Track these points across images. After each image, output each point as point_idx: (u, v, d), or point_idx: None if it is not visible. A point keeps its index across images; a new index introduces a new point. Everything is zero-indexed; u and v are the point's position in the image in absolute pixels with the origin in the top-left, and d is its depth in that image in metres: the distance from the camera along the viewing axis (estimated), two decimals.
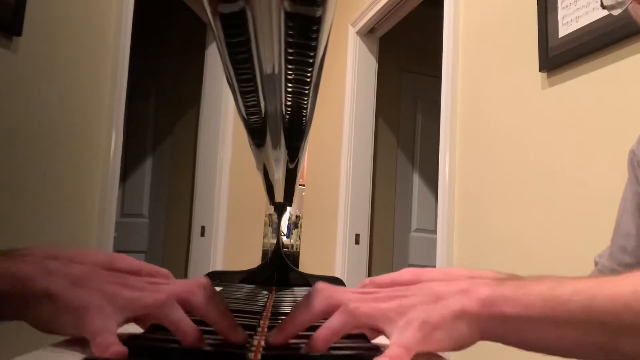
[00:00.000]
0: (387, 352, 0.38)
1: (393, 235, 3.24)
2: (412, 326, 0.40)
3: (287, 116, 0.60)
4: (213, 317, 0.41)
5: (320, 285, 0.44)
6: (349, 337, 0.46)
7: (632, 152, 0.78)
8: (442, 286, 0.42)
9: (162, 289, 0.42)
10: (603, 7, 0.70)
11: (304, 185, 3.72)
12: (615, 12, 0.69)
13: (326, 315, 0.41)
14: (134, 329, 0.43)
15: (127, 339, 0.39)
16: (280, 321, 0.43)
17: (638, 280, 0.38)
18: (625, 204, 0.78)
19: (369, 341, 0.45)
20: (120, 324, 0.39)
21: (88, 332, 0.37)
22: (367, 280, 0.52)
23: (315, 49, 0.43)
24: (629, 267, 0.73)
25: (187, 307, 0.41)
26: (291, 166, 0.86)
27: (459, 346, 0.41)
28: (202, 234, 3.02)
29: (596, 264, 0.81)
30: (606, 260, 0.78)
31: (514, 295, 0.40)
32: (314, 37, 0.41)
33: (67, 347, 0.39)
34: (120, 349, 0.36)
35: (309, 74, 0.48)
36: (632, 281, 0.38)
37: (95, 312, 0.38)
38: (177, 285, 0.42)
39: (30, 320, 0.38)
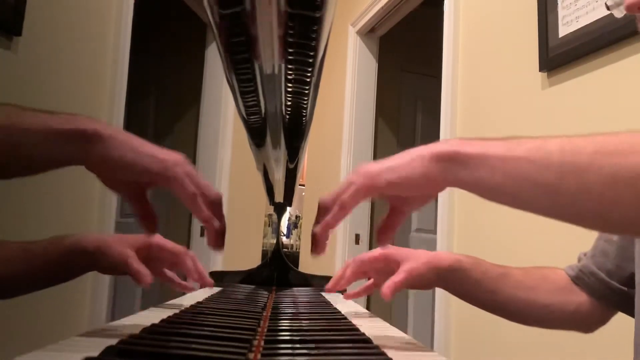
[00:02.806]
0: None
1: None
2: (341, 186, 0.50)
3: (287, 116, 0.60)
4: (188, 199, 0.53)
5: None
6: (353, 341, 0.46)
7: None
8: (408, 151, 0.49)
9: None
10: (607, 7, 0.70)
11: (304, 185, 3.72)
12: (618, 14, 0.69)
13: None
14: (135, 329, 0.43)
15: (126, 339, 0.39)
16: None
17: (599, 139, 0.41)
18: None
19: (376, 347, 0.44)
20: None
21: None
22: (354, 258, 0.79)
23: (315, 49, 0.43)
24: (609, 273, 0.73)
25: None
26: (291, 166, 0.86)
27: (412, 180, 0.47)
28: (202, 234, 3.02)
29: (579, 260, 0.81)
30: (590, 261, 0.78)
31: (480, 142, 0.45)
32: (313, 37, 0.41)
33: (66, 346, 0.39)
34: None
35: (309, 74, 0.48)
36: (590, 138, 0.41)
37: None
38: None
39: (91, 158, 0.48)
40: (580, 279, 0.76)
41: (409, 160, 0.47)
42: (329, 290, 0.80)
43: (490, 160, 0.43)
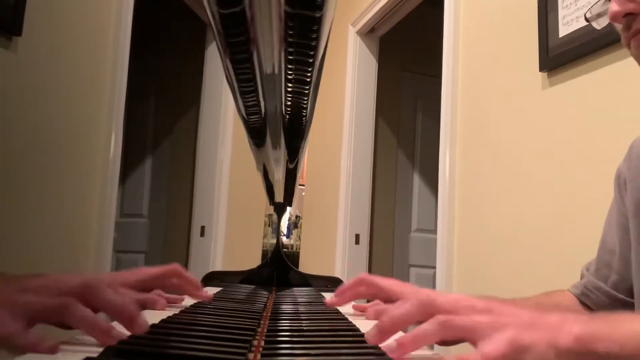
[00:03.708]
0: (469, 355, 0.40)
1: (393, 235, 3.24)
2: (502, 341, 0.40)
3: (287, 116, 0.60)
4: (111, 310, 0.44)
5: (413, 289, 0.54)
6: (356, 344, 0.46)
7: (619, 170, 0.77)
8: (535, 316, 0.43)
9: (60, 287, 0.44)
10: (586, 20, 0.70)
11: (304, 185, 3.72)
12: (597, 26, 0.69)
13: (421, 319, 0.44)
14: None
15: (126, 339, 0.39)
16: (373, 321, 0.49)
17: None
18: (610, 220, 0.78)
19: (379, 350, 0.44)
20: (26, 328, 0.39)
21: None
22: (364, 275, 0.64)
23: (315, 49, 0.43)
24: (615, 285, 0.73)
25: (88, 302, 0.43)
26: (291, 166, 0.86)
27: None
28: (202, 234, 3.02)
29: (582, 276, 0.80)
30: (592, 275, 0.77)
31: (607, 334, 0.40)
32: (313, 37, 0.41)
33: (67, 346, 0.39)
34: (52, 343, 0.37)
35: (309, 74, 0.48)
36: None
37: None
38: (75, 281, 0.45)
39: None
40: (585, 295, 0.75)
41: (541, 345, 0.40)
42: (329, 305, 0.72)
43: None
